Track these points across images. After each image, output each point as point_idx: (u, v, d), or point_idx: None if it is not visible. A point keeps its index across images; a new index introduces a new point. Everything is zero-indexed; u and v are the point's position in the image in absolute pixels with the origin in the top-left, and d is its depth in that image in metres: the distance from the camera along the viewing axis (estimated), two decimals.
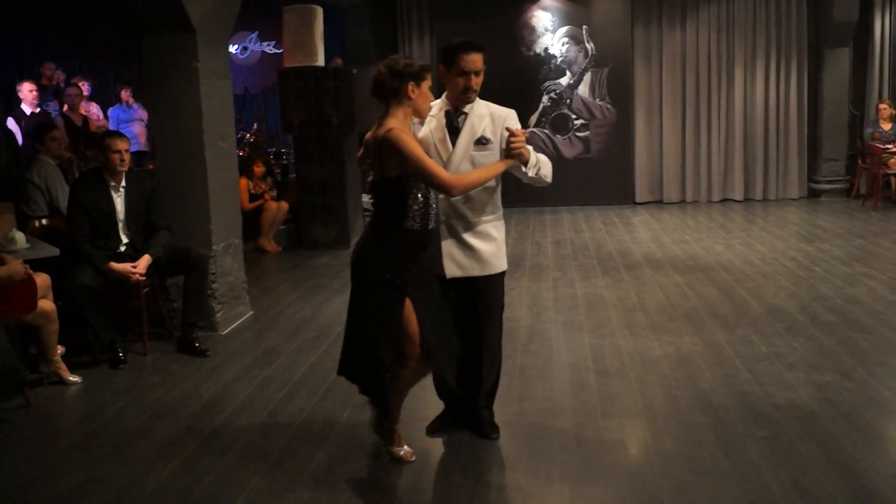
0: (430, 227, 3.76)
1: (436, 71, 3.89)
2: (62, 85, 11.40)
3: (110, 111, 12.08)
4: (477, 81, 3.90)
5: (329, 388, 5.11)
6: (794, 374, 5.04)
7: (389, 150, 3.56)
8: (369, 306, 3.72)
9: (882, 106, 11.91)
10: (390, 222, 3.70)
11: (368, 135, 3.74)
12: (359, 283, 3.76)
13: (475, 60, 3.86)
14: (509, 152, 3.77)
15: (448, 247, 3.98)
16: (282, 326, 6.63)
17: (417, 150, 3.56)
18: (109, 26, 13.98)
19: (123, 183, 5.96)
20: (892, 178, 11.76)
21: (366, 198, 10.57)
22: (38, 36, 14.03)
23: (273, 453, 4.23)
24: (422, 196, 3.66)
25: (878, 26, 12.55)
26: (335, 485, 3.86)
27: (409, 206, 3.65)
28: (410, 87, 3.63)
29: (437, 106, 3.98)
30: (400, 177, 3.60)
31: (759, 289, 7.20)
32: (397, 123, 3.61)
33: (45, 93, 10.79)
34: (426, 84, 3.68)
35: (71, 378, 5.42)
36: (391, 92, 3.64)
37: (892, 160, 11.43)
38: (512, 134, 3.77)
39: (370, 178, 3.77)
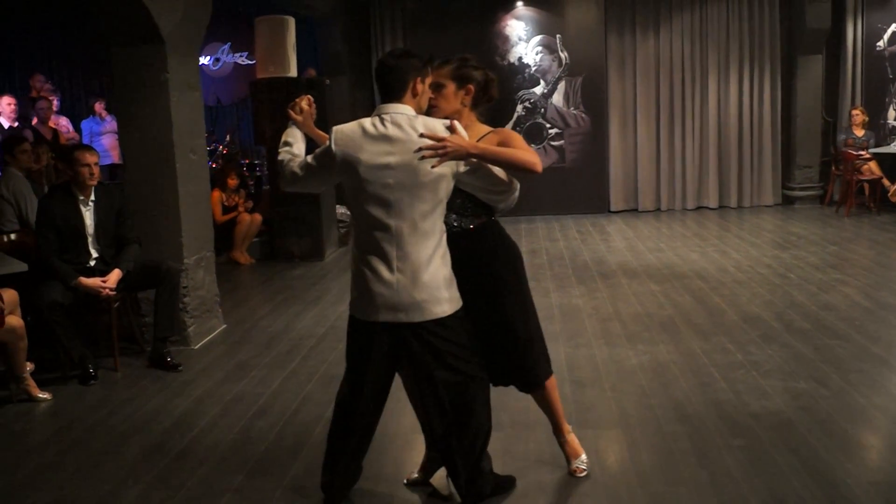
0: None
1: None
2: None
3: (83, 123, 11.97)
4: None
5: (302, 402, 5.06)
6: (769, 382, 5.04)
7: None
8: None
9: (855, 112, 12.00)
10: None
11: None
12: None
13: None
14: None
15: None
16: (255, 340, 6.56)
17: None
18: (79, 38, 13.88)
19: (93, 197, 5.88)
20: (866, 185, 11.86)
21: (340, 209, 10.53)
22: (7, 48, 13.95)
23: (245, 468, 4.17)
24: None
25: (851, 33, 12.66)
26: (309, 499, 3.81)
27: None
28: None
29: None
30: None
31: (734, 296, 7.21)
32: None
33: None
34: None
35: (40, 395, 5.33)
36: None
37: (865, 166, 11.52)
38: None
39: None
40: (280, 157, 3.60)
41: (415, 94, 3.40)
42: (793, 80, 12.98)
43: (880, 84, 12.72)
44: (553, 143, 13.07)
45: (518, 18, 12.94)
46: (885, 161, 11.63)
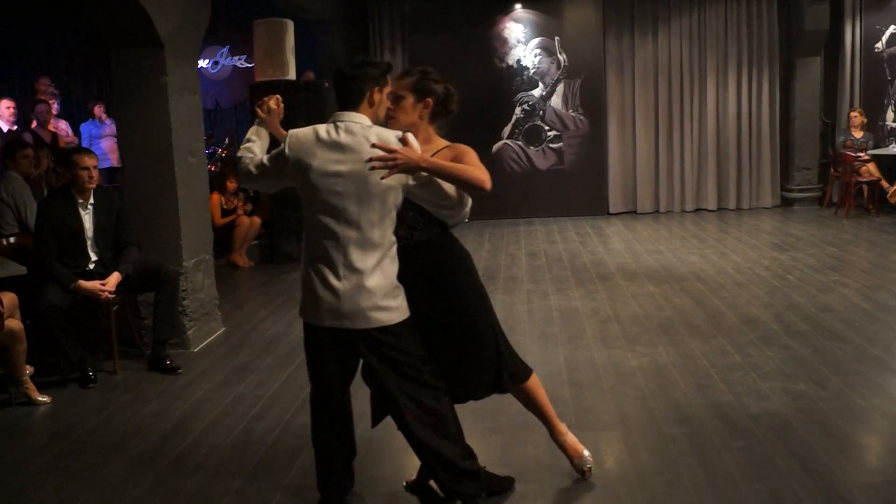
0: None
1: None
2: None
3: (82, 126, 11.97)
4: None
5: (301, 405, 5.05)
6: (768, 384, 5.04)
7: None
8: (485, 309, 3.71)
9: (853, 114, 12.02)
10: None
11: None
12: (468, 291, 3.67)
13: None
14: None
15: None
16: (254, 343, 6.56)
17: None
18: (80, 41, 13.89)
19: (92, 200, 5.89)
20: (864, 186, 11.86)
21: None
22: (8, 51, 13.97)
23: (245, 470, 4.18)
24: None
25: (849, 35, 12.68)
26: (308, 501, 3.81)
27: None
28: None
29: None
30: None
31: (734, 298, 7.21)
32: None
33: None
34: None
35: (40, 398, 5.34)
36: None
37: (864, 168, 11.53)
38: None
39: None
40: (239, 154, 3.62)
41: (371, 104, 3.41)
42: (791, 82, 13.00)
43: (879, 86, 12.74)
44: (552, 145, 13.08)
45: (517, 21, 12.96)
46: (884, 163, 11.64)
